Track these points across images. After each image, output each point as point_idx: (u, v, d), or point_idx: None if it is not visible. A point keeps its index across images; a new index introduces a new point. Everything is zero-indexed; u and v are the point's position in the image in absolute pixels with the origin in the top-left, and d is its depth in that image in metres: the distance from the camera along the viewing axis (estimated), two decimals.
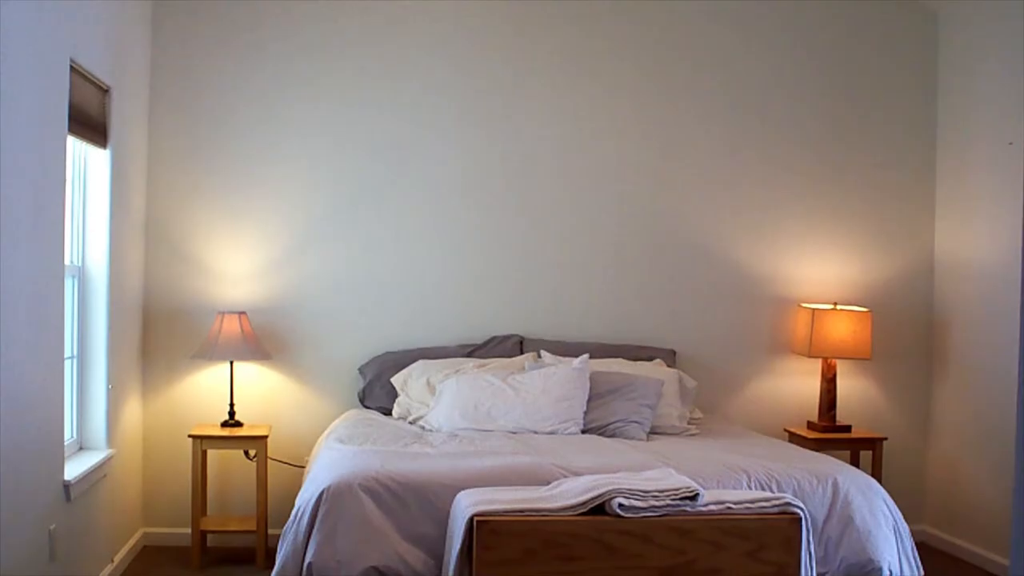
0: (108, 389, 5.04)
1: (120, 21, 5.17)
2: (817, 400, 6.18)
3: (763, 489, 4.23)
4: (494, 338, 6.00)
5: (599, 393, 5.35)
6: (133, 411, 5.60)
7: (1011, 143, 5.59)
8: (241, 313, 5.64)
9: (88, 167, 4.99)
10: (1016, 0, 5.60)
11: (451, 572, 3.74)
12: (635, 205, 6.20)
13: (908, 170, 6.42)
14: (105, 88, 4.92)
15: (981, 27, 6.03)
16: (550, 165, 6.14)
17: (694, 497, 3.83)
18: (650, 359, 5.97)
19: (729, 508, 3.88)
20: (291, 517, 4.05)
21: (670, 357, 6.08)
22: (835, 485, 4.32)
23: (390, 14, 6.01)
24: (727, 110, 6.28)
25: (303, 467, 5.39)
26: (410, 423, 5.44)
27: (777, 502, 3.93)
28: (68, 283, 4.66)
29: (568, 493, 3.87)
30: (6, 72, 3.53)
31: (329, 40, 5.96)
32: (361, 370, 5.89)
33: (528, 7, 6.12)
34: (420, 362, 5.77)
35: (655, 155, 6.22)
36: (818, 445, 5.75)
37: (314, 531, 3.94)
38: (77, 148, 4.83)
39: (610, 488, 3.80)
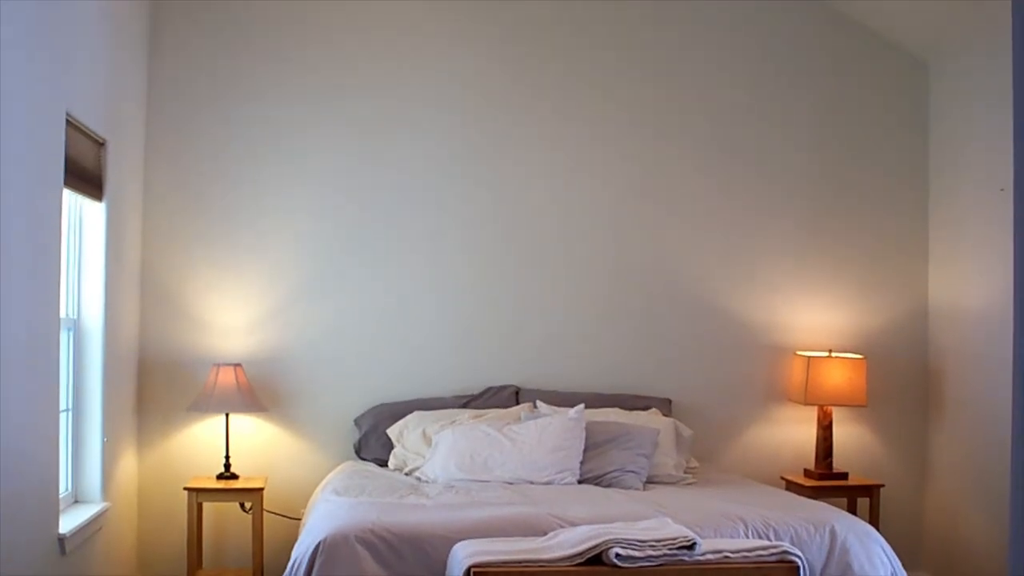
0: (103, 442, 5.03)
1: (116, 75, 5.20)
2: (813, 447, 6.17)
3: (761, 537, 4.22)
4: (490, 388, 6.00)
5: (595, 443, 5.34)
6: (128, 464, 5.58)
7: (1002, 189, 5.63)
8: (237, 365, 5.64)
9: (84, 220, 5.00)
10: (1004, 51, 5.65)
11: None
12: (629, 253, 6.22)
13: (901, 216, 6.46)
14: (101, 141, 4.95)
15: (970, 77, 6.08)
16: (544, 214, 6.16)
17: (691, 546, 3.82)
18: (646, 408, 5.96)
19: (727, 557, 3.86)
20: (287, 570, 4.02)
21: (666, 406, 6.07)
22: (832, 532, 4.31)
23: (384, 69, 6.05)
24: (720, 157, 6.32)
25: (299, 519, 5.36)
26: (406, 474, 5.42)
27: (775, 550, 3.92)
28: (63, 336, 4.66)
29: (565, 543, 3.85)
30: (3, 126, 3.55)
31: (322, 94, 5.99)
32: (357, 421, 5.87)
33: (519, 58, 6.17)
34: (416, 413, 5.76)
35: (648, 204, 6.25)
36: (815, 493, 5.74)
37: None
38: (73, 201, 4.85)
39: (607, 538, 3.79)
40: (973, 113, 6.06)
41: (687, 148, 6.30)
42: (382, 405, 5.90)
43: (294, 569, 3.98)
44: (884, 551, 4.33)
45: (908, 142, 6.48)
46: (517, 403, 5.94)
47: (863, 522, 4.53)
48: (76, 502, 4.97)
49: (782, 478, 6.13)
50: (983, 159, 5.93)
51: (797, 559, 3.89)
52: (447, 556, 3.93)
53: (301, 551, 4.04)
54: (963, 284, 6.10)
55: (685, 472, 5.54)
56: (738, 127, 6.34)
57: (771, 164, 6.36)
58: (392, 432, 5.71)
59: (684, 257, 6.27)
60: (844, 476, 6.03)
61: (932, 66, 6.45)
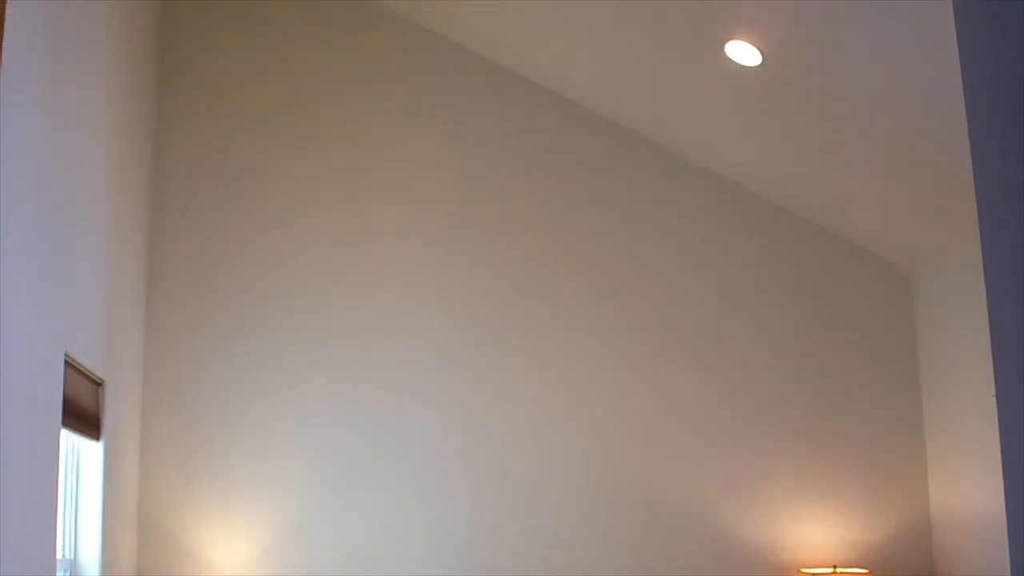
0: None
1: (114, 317, 5.32)
2: None
3: None
4: None
5: None
6: None
7: (994, 395, 5.67)
8: None
9: (81, 459, 5.03)
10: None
11: None
12: (623, 471, 6.22)
13: (896, 424, 6.48)
14: (99, 382, 5.02)
15: (954, 286, 6.19)
16: (537, 434, 6.20)
17: None
18: None
19: None
20: None
21: None
22: None
23: (377, 301, 6.19)
24: (712, 373, 6.39)
25: None
26: None
27: None
28: None
29: None
30: (3, 367, 3.62)
31: (318, 328, 6.12)
32: None
33: (515, 270, 6.32)
34: None
35: (641, 419, 6.28)
36: None
37: None
38: (70, 440, 4.89)
39: None
40: (959, 322, 6.15)
41: (680, 362, 6.37)
42: None
43: None
44: None
45: (897, 351, 6.56)
46: None
47: None
48: None
49: None
50: (973, 366, 6.00)
51: None
52: None
53: None
54: (963, 490, 6.08)
55: None
56: (729, 341, 6.43)
57: (763, 376, 6.42)
58: None
59: (678, 471, 6.26)
60: None
61: (916, 279, 6.59)
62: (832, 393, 6.48)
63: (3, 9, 2.68)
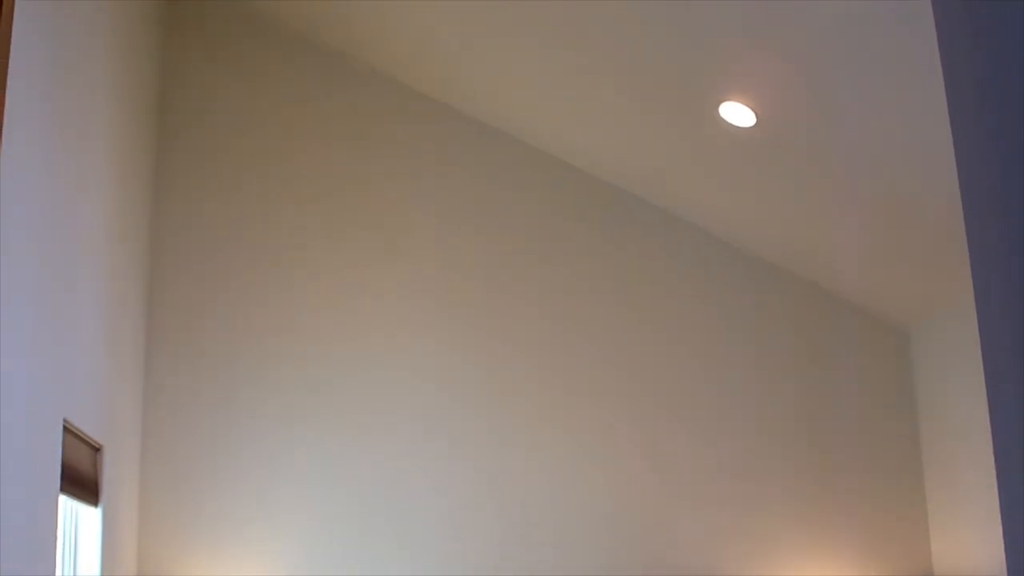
0: None
1: (113, 382, 5.32)
2: None
3: None
4: None
5: None
6: None
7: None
8: None
9: (79, 525, 5.00)
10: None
11: None
12: (618, 533, 6.19)
13: (897, 483, 6.45)
14: (97, 447, 5.01)
15: (952, 342, 6.20)
16: (530, 498, 6.17)
17: None
18: None
19: None
20: None
21: None
22: None
23: (372, 366, 6.19)
24: (708, 432, 6.38)
25: None
26: None
27: None
28: None
29: None
30: (2, 433, 3.61)
31: (314, 394, 6.13)
32: None
33: (508, 332, 6.33)
34: None
35: (638, 482, 6.27)
36: None
37: None
38: (69, 505, 4.87)
39: None
40: (957, 376, 6.15)
41: (673, 424, 6.37)
42: None
43: None
44: None
45: (896, 408, 6.54)
46: None
47: None
48: None
49: None
50: (973, 420, 5.98)
51: None
52: None
53: None
54: (967, 547, 6.04)
55: None
56: (724, 400, 6.42)
57: (760, 436, 6.40)
58: None
59: (678, 535, 6.23)
60: None
61: (913, 332, 6.59)
62: (831, 451, 6.46)
63: (4, 78, 2.71)
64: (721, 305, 6.53)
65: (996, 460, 1.84)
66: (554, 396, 6.30)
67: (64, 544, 4.83)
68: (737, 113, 5.29)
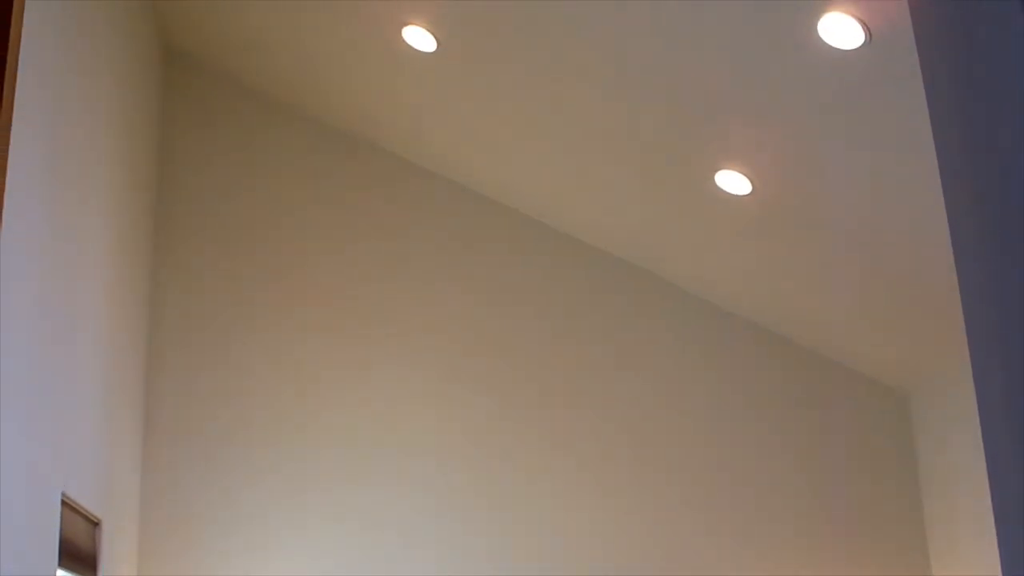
0: None
1: (111, 455, 5.30)
2: None
3: None
4: None
5: None
6: None
7: None
8: None
9: None
10: None
11: None
12: None
13: (899, 551, 6.40)
14: (96, 521, 4.98)
15: (953, 407, 6.18)
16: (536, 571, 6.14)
17: None
18: None
19: None
20: None
21: None
22: None
23: (374, 435, 6.19)
24: (710, 502, 6.35)
25: None
26: None
27: None
28: None
29: None
30: (1, 507, 3.60)
31: (316, 466, 6.11)
32: None
33: (511, 402, 6.33)
34: None
35: (641, 555, 6.23)
36: None
37: None
38: None
39: None
40: (959, 442, 6.13)
41: (673, 495, 6.34)
42: None
43: None
44: None
45: (897, 475, 6.50)
46: None
47: None
48: None
49: None
50: (976, 486, 5.96)
51: None
52: None
53: None
54: None
55: None
56: (724, 469, 6.40)
57: (761, 504, 6.38)
58: None
59: None
60: None
61: (913, 398, 6.58)
62: (833, 519, 6.42)
63: (5, 158, 2.73)
64: (721, 373, 6.52)
65: (996, 521, 1.85)
66: (557, 464, 6.27)
67: None
68: (733, 181, 5.33)
